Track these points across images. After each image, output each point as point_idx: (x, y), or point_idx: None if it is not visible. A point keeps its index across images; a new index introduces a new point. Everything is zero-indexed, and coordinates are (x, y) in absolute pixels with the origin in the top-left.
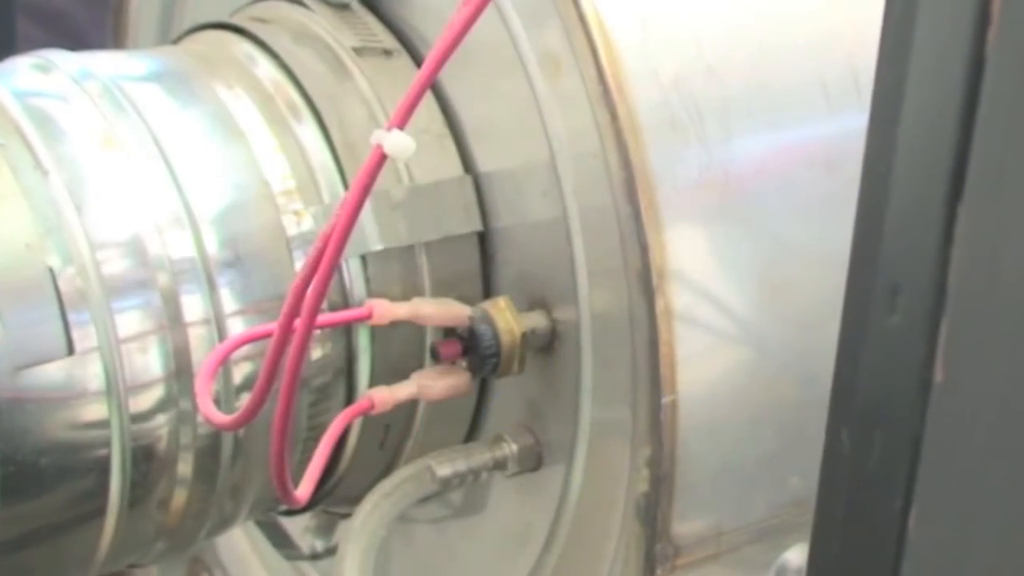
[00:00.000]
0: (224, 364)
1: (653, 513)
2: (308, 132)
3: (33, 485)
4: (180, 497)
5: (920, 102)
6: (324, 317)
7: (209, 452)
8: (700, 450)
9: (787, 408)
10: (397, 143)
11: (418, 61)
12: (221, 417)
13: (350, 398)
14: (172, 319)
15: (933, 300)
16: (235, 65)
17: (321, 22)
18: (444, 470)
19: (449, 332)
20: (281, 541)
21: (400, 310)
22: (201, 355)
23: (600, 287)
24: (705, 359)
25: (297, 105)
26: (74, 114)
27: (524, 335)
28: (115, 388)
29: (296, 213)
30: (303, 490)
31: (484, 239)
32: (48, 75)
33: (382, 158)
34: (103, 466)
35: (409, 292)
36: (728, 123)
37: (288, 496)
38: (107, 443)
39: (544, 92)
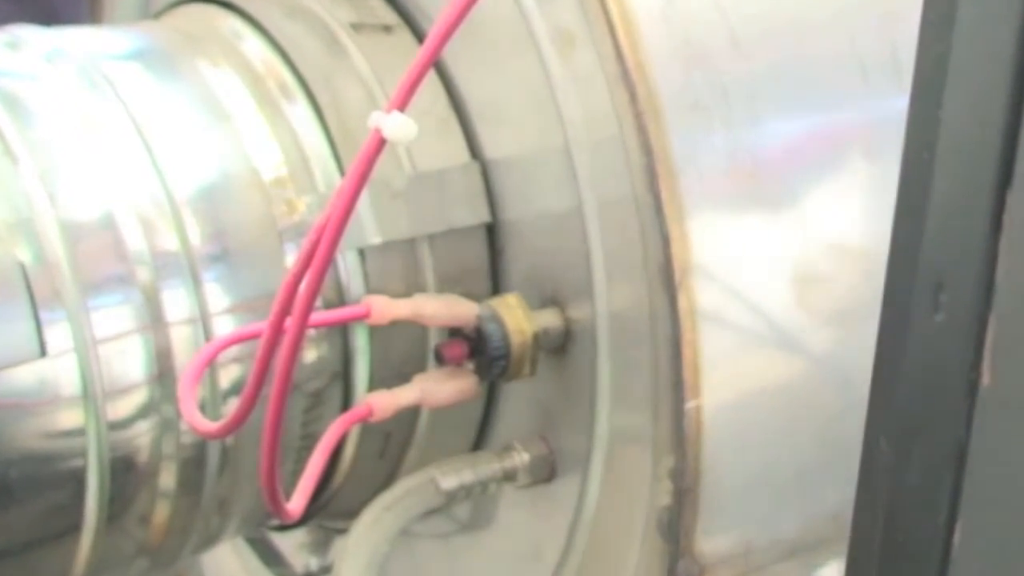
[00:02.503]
0: (210, 367)
1: (676, 528)
2: (301, 115)
3: (2, 498)
4: (162, 511)
5: (965, 80)
6: (319, 316)
7: (194, 462)
8: (727, 460)
9: (822, 414)
10: (397, 127)
11: (420, 37)
12: (207, 424)
13: (347, 404)
14: (154, 318)
15: (979, 296)
16: (221, 42)
17: None
18: (449, 481)
19: (454, 332)
20: (272, 559)
21: (401, 308)
22: (185, 357)
23: (618, 283)
24: (732, 361)
25: (289, 85)
26: (46, 96)
27: (536, 335)
28: (91, 393)
29: (288, 203)
30: (296, 503)
31: (492, 231)
32: (18, 53)
33: (381, 143)
34: (78, 478)
35: (411, 289)
36: (756, 105)
37: (280, 510)
38: (83, 452)
39: (557, 71)
